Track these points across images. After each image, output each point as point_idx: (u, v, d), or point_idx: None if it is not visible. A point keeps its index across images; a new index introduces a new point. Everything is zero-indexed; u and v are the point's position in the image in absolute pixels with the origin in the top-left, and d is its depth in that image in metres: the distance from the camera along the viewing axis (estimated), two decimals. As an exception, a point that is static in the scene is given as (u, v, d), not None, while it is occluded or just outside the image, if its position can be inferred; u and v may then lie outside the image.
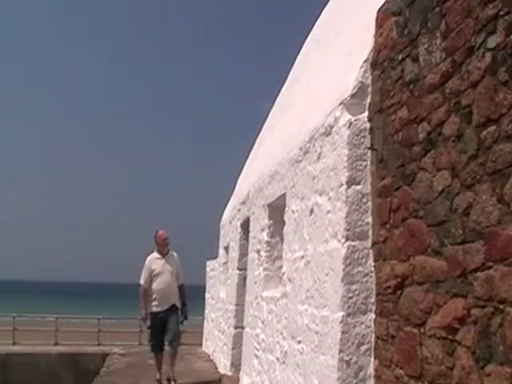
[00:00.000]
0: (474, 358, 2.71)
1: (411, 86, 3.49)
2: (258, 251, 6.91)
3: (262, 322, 6.35)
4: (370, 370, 3.85)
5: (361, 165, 4.05)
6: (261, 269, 6.68)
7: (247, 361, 7.20)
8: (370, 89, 4.14)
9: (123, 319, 19.23)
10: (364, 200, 4.02)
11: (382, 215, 3.81)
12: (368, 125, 4.10)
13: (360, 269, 3.93)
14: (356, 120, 4.12)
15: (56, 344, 13.94)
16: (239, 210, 8.96)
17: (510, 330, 2.45)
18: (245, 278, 8.14)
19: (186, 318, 8.34)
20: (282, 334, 5.43)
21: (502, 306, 2.51)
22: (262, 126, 10.36)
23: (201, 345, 12.66)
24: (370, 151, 4.05)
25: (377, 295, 3.86)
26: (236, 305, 8.70)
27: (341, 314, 3.88)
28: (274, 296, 5.90)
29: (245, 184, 9.18)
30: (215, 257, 11.97)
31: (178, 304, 8.15)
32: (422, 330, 3.22)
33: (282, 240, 6.02)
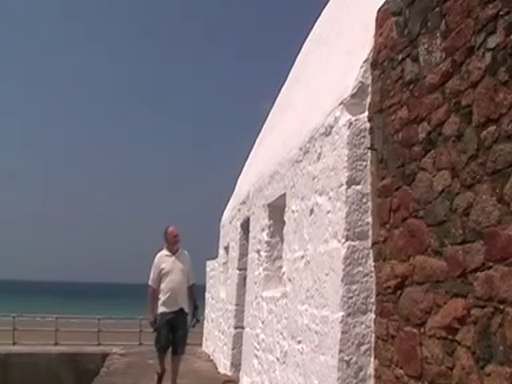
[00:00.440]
0: (474, 358, 2.71)
1: (411, 86, 3.49)
2: (258, 251, 6.91)
3: (262, 322, 6.35)
4: (370, 370, 3.85)
5: (361, 165, 4.05)
6: (261, 269, 6.69)
7: (247, 361, 7.20)
8: (369, 89, 4.14)
9: (123, 319, 19.21)
10: (364, 200, 4.02)
11: (382, 215, 3.81)
12: (368, 125, 4.10)
13: (360, 269, 3.93)
14: (356, 120, 4.12)
15: (56, 344, 13.95)
16: (239, 210, 8.96)
17: (510, 330, 2.45)
18: (245, 278, 8.14)
19: (198, 320, 7.94)
20: (282, 334, 5.43)
21: (502, 306, 2.51)
22: (261, 126, 10.36)
23: (201, 345, 12.66)
24: (369, 151, 4.05)
25: (377, 295, 3.86)
26: (236, 305, 8.70)
27: (341, 314, 3.88)
28: (274, 296, 5.90)
29: (245, 184, 9.18)
30: (215, 257, 11.97)
31: (187, 307, 7.62)
32: (421, 330, 3.22)
33: (281, 240, 6.02)
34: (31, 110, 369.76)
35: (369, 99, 4.15)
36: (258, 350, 6.50)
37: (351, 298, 3.89)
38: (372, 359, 3.85)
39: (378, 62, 4.04)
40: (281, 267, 5.97)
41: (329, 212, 4.30)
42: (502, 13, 2.58)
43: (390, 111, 3.77)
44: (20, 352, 12.86)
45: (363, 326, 3.88)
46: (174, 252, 7.59)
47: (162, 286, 7.46)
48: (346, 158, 4.06)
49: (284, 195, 5.82)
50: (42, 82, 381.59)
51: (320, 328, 4.27)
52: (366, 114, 4.13)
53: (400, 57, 3.66)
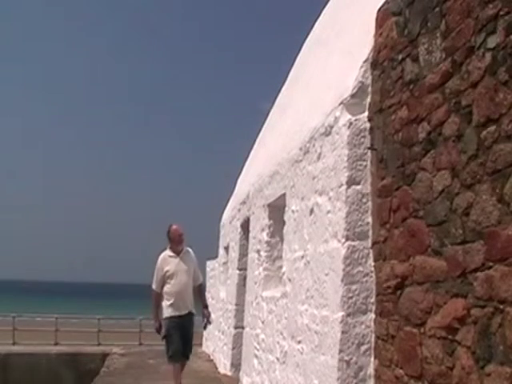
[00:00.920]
0: (473, 358, 2.71)
1: (411, 86, 3.49)
2: (258, 251, 6.91)
3: (262, 322, 6.35)
4: (370, 370, 3.85)
5: (361, 165, 4.05)
6: (261, 269, 6.69)
7: (247, 361, 7.20)
8: (369, 89, 4.14)
9: (123, 319, 19.23)
10: (364, 200, 4.02)
11: (382, 215, 3.81)
12: (368, 125, 4.10)
13: (360, 269, 3.93)
14: (356, 120, 4.12)
15: (56, 344, 13.96)
16: (239, 210, 8.96)
17: (510, 330, 2.45)
18: (245, 278, 8.14)
19: (209, 322, 7.45)
20: (282, 333, 5.43)
21: (501, 306, 2.51)
22: (262, 126, 10.36)
23: (201, 345, 12.66)
24: (369, 151, 4.05)
25: (377, 295, 3.86)
26: (236, 305, 8.71)
27: (341, 314, 3.88)
28: (274, 296, 5.90)
29: (245, 184, 9.18)
30: (215, 257, 11.98)
31: (194, 310, 7.21)
32: (422, 330, 3.22)
33: (281, 240, 6.02)
34: (31, 110, 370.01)
35: (369, 99, 4.15)
36: (257, 350, 6.50)
37: (351, 298, 3.89)
38: (372, 359, 3.85)
39: (378, 62, 4.04)
40: (281, 267, 5.97)
41: (329, 212, 4.30)
42: (502, 13, 2.58)
43: (390, 111, 3.77)
44: (20, 352, 12.86)
45: (363, 326, 3.88)
46: (178, 252, 7.09)
47: (167, 289, 7.00)
48: (345, 158, 4.06)
49: (284, 195, 5.82)
50: (42, 81, 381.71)
51: (320, 328, 4.27)
52: (366, 113, 4.13)
53: (400, 57, 3.66)
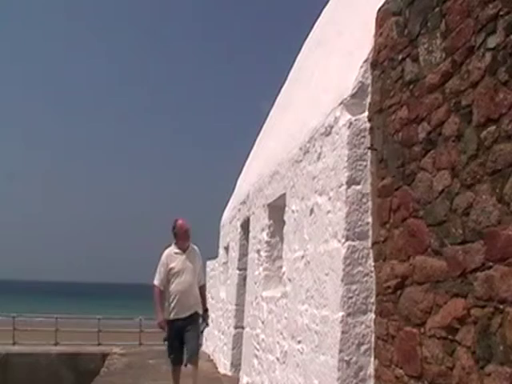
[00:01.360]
0: (474, 358, 2.71)
1: (411, 86, 3.48)
2: (258, 251, 6.91)
3: (262, 322, 6.35)
4: (370, 370, 3.85)
5: (361, 165, 4.05)
6: (261, 269, 6.68)
7: (247, 361, 7.20)
8: (369, 89, 4.14)
9: (123, 319, 19.22)
10: (364, 200, 4.02)
11: (382, 215, 3.81)
12: (368, 125, 4.10)
13: (360, 269, 3.93)
14: (356, 120, 4.12)
15: (56, 344, 13.95)
16: (239, 210, 8.96)
17: (510, 330, 2.45)
18: (245, 278, 8.14)
19: (207, 324, 7.13)
20: (282, 333, 5.43)
21: (501, 306, 2.51)
22: (261, 126, 10.36)
23: (201, 345, 12.65)
24: (369, 151, 4.05)
25: (377, 295, 3.86)
26: (236, 305, 8.70)
27: (341, 314, 3.88)
28: (274, 296, 5.90)
29: (245, 184, 9.18)
30: (215, 257, 11.97)
31: (200, 310, 6.76)
32: (422, 330, 3.22)
33: (281, 240, 6.02)
34: (31, 110, 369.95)
35: (369, 99, 4.15)
36: (258, 349, 6.50)
37: (351, 298, 3.89)
38: (372, 359, 3.85)
39: (378, 62, 4.04)
40: (281, 267, 5.97)
41: (329, 212, 4.30)
42: (501, 13, 2.58)
43: (390, 111, 3.77)
44: (20, 352, 12.85)
45: (363, 326, 3.88)
46: (184, 249, 6.67)
47: (171, 287, 6.55)
48: (346, 158, 4.06)
49: (284, 195, 5.82)
50: (41, 81, 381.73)
51: (320, 328, 4.26)
52: (366, 113, 4.13)
53: (400, 57, 3.66)
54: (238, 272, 8.78)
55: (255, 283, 6.96)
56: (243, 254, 8.53)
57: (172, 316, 6.52)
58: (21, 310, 19.77)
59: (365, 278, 3.92)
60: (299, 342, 4.79)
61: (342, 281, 3.90)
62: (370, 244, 3.96)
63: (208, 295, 12.50)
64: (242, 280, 8.46)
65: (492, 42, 2.65)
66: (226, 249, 10.35)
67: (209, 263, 12.85)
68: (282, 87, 9.57)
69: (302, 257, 4.92)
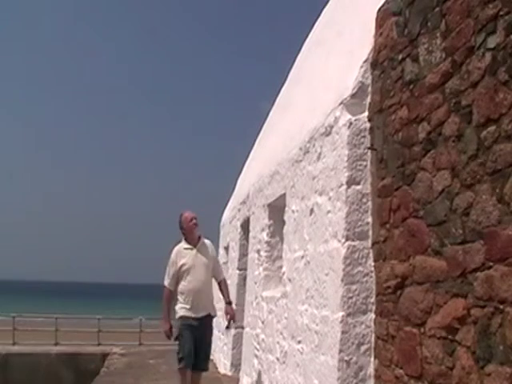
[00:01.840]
0: (473, 358, 2.71)
1: (411, 86, 3.48)
2: (258, 251, 6.91)
3: (262, 322, 6.35)
4: (370, 370, 3.85)
5: (361, 165, 4.05)
6: (261, 269, 6.68)
7: (247, 361, 7.20)
8: (369, 89, 4.14)
9: (123, 319, 19.22)
10: (364, 200, 4.02)
11: (382, 215, 3.81)
12: (368, 125, 4.10)
13: (360, 269, 3.93)
14: (356, 120, 4.12)
15: (56, 344, 13.95)
16: (239, 210, 8.96)
17: (510, 330, 2.45)
18: (245, 278, 8.14)
19: (233, 320, 6.43)
20: (282, 333, 5.43)
21: (501, 306, 2.51)
22: (261, 126, 10.36)
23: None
24: (369, 151, 4.05)
25: (377, 295, 3.86)
26: (236, 305, 8.70)
27: (341, 313, 3.88)
28: (274, 296, 5.90)
29: (245, 184, 9.18)
30: (215, 257, 11.94)
31: (214, 312, 6.20)
32: (422, 330, 3.22)
33: (281, 240, 6.02)
34: (31, 110, 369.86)
35: (369, 99, 4.14)
36: (257, 350, 6.50)
37: (351, 297, 3.89)
38: (372, 359, 3.85)
39: (378, 62, 4.04)
40: (281, 267, 5.97)
41: (329, 212, 4.30)
42: (501, 13, 2.58)
43: (390, 111, 3.77)
44: (20, 352, 12.85)
45: (363, 326, 3.88)
46: (194, 243, 6.09)
47: (182, 286, 5.98)
48: (346, 158, 4.06)
49: (284, 195, 5.82)
50: (41, 81, 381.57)
51: (320, 328, 4.26)
52: (366, 113, 4.13)
53: (400, 57, 3.66)
54: (237, 272, 8.78)
55: (255, 283, 6.96)
56: (243, 254, 8.53)
57: (185, 313, 5.93)
58: (21, 310, 19.75)
59: (365, 278, 3.92)
60: (299, 342, 4.79)
61: (342, 281, 3.90)
62: (369, 244, 3.96)
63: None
64: (242, 280, 8.46)
65: (492, 41, 2.64)
66: (226, 249, 10.35)
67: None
68: (281, 87, 9.58)
69: (302, 257, 4.92)
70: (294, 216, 5.34)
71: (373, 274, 3.91)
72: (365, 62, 4.18)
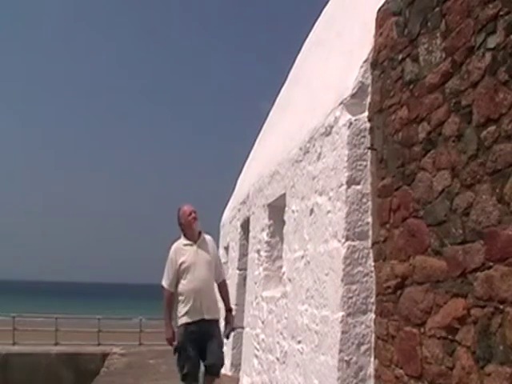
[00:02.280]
0: (473, 358, 2.71)
1: (411, 86, 3.48)
2: (258, 251, 6.90)
3: (262, 322, 6.35)
4: (370, 370, 3.85)
5: (361, 165, 4.05)
6: (261, 269, 6.68)
7: (247, 361, 7.20)
8: (369, 89, 4.14)
9: (123, 319, 19.23)
10: (364, 200, 4.02)
11: (382, 215, 3.81)
12: (368, 125, 4.10)
13: (360, 269, 3.93)
14: (356, 120, 4.12)
15: (56, 344, 13.96)
16: (239, 210, 8.95)
17: (510, 330, 2.45)
18: (245, 278, 8.13)
19: (233, 328, 5.77)
20: (282, 333, 5.43)
21: (501, 306, 2.51)
22: (261, 126, 10.36)
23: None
24: (369, 151, 4.04)
25: (377, 295, 3.86)
26: (236, 305, 8.70)
27: (341, 313, 3.88)
28: (274, 296, 5.90)
29: (245, 184, 9.18)
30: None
31: (218, 314, 5.51)
32: (422, 330, 3.22)
33: (281, 240, 6.02)
34: (31, 110, 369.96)
35: (369, 99, 4.14)
36: (258, 350, 6.50)
37: (351, 298, 3.89)
38: (372, 359, 3.85)
39: (378, 62, 4.03)
40: (281, 267, 5.97)
41: (329, 212, 4.30)
42: (501, 13, 2.58)
43: (390, 111, 3.77)
44: (20, 352, 12.87)
45: (363, 326, 3.88)
46: (194, 239, 5.44)
47: (183, 286, 5.33)
48: (346, 158, 4.06)
49: (284, 195, 5.81)
50: (42, 81, 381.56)
51: (320, 328, 4.26)
52: (366, 113, 4.13)
53: (400, 57, 3.66)
54: (237, 272, 8.78)
55: (255, 283, 6.96)
56: (243, 254, 8.53)
57: (185, 321, 5.28)
58: (21, 310, 19.77)
59: (365, 278, 3.92)
60: (299, 342, 4.79)
61: (342, 281, 3.90)
62: (369, 244, 3.96)
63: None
64: (242, 280, 8.45)
65: (492, 41, 2.64)
66: (226, 249, 10.34)
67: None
68: (281, 87, 9.57)
69: (302, 257, 4.92)
70: (294, 216, 5.34)
71: (373, 274, 3.91)
72: (365, 62, 4.17)
